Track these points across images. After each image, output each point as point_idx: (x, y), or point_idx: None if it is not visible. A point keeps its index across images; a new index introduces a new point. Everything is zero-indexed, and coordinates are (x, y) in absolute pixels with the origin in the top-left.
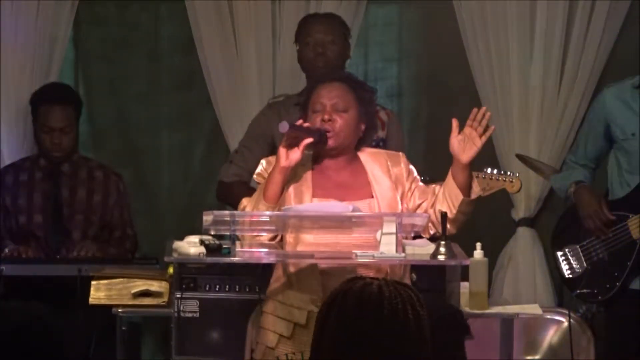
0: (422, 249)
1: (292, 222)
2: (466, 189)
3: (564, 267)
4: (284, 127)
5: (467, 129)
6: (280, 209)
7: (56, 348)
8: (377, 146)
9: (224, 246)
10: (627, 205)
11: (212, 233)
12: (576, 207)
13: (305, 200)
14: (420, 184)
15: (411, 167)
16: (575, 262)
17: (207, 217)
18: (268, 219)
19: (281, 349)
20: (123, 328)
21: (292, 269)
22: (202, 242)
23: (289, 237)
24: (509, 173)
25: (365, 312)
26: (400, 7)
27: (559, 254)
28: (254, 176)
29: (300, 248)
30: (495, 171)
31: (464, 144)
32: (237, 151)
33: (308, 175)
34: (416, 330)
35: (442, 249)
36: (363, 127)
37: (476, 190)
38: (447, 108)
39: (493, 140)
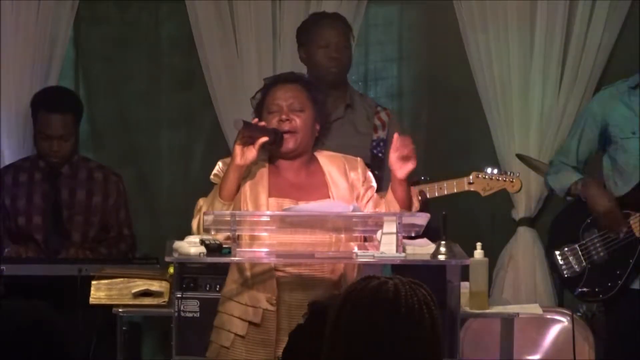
0: (422, 249)
1: (293, 222)
2: (406, 203)
3: (563, 266)
4: (238, 124)
5: (395, 145)
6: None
7: (58, 347)
8: (377, 147)
9: (224, 246)
10: (629, 203)
11: (213, 233)
12: (588, 201)
13: (261, 200)
14: (375, 194)
15: (369, 173)
16: (574, 261)
17: (208, 217)
18: (269, 219)
19: (236, 349)
20: (123, 328)
21: (248, 269)
22: (202, 242)
23: (246, 237)
24: (509, 173)
25: (381, 310)
26: (400, 7)
27: (557, 253)
28: (211, 176)
29: (256, 247)
30: (495, 171)
31: (399, 161)
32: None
33: (264, 174)
34: (431, 330)
35: (443, 249)
36: (318, 127)
37: (416, 205)
38: (447, 108)
39: (493, 140)
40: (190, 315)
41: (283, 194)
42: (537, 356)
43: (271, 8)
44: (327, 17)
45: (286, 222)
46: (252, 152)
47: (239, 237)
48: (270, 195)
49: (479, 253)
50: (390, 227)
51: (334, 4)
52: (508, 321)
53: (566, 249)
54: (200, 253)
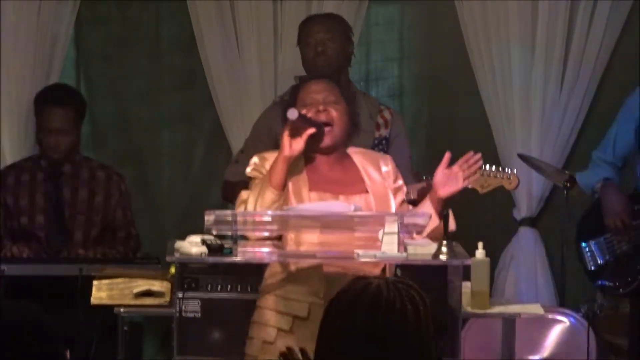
0: (423, 249)
1: (294, 222)
2: (437, 218)
3: (588, 259)
4: (293, 114)
5: (456, 167)
6: (282, 206)
7: (48, 348)
8: (379, 145)
9: (226, 246)
10: None
11: (214, 233)
12: (601, 203)
13: (303, 195)
14: (405, 204)
15: (399, 174)
16: (598, 254)
17: (209, 217)
18: (270, 219)
19: (280, 343)
20: (124, 328)
21: (292, 265)
22: (203, 242)
23: (289, 236)
24: (506, 170)
25: (362, 307)
26: (401, 7)
27: (583, 246)
28: (248, 169)
29: (303, 248)
30: (492, 168)
31: (446, 179)
32: (242, 150)
33: (302, 169)
34: (416, 327)
35: (444, 249)
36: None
37: (452, 225)
38: (448, 107)
39: (495, 139)
40: (191, 315)
41: (323, 188)
42: (539, 356)
43: (272, 8)
44: (316, 16)
45: (287, 223)
46: (299, 144)
47: (281, 237)
48: (310, 189)
49: (480, 253)
50: (391, 226)
51: (335, 4)
52: (509, 321)
53: (592, 241)
54: (201, 253)
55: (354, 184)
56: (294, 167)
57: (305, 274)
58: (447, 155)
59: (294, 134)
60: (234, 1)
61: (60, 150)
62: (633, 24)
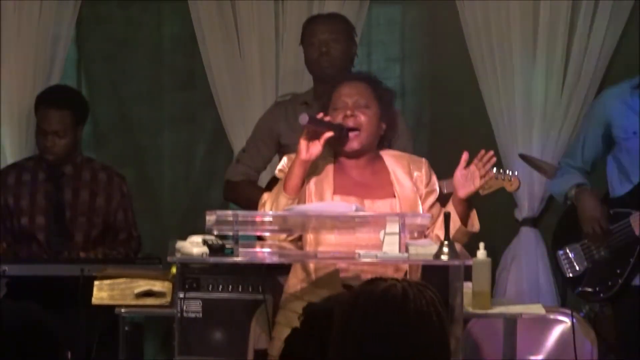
0: (425, 249)
1: (295, 222)
2: (465, 220)
3: (565, 266)
4: (304, 119)
5: (472, 166)
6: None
7: (49, 349)
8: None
9: (227, 246)
10: (629, 202)
11: (215, 233)
12: (577, 209)
13: (326, 197)
14: (438, 203)
15: (434, 177)
16: (576, 261)
17: (210, 217)
18: (271, 219)
19: None
20: (126, 328)
21: (311, 266)
22: (205, 242)
23: (309, 238)
24: (507, 172)
25: (390, 312)
26: (403, 7)
27: (560, 252)
28: (276, 171)
29: (321, 248)
30: (494, 170)
31: (464, 180)
32: (244, 150)
33: (329, 171)
34: (439, 332)
35: (445, 249)
36: (384, 126)
37: (476, 226)
38: (449, 107)
39: (496, 140)
40: (192, 315)
41: (348, 191)
42: (540, 356)
43: (273, 8)
44: (320, 16)
45: (288, 223)
46: (317, 147)
47: (301, 237)
48: (335, 192)
49: (481, 253)
50: (392, 227)
51: (336, 4)
52: (511, 321)
53: (568, 248)
54: (202, 253)
55: (382, 188)
56: (320, 169)
57: (325, 278)
58: (464, 156)
59: (312, 137)
60: (235, 1)
61: (55, 152)
62: (634, 23)
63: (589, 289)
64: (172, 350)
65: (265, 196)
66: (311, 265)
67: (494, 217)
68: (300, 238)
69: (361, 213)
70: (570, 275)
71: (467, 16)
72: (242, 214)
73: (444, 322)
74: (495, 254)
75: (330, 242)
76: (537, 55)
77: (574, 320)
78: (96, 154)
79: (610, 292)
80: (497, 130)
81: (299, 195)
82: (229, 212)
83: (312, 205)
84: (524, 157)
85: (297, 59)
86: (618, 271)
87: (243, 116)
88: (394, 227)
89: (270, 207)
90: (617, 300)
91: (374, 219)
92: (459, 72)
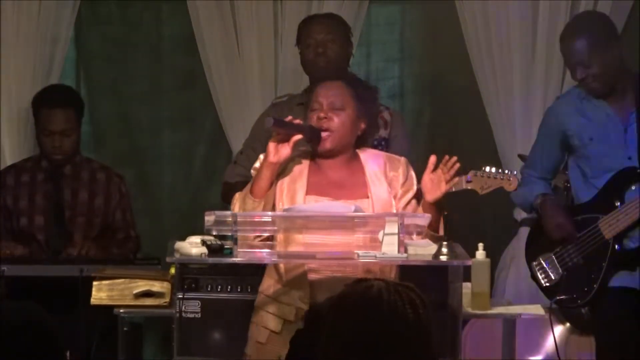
0: (424, 249)
1: (295, 222)
2: (434, 224)
3: (541, 276)
4: (268, 122)
5: (438, 171)
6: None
7: (49, 348)
8: (378, 145)
9: (226, 246)
10: (595, 207)
11: (214, 233)
12: (541, 218)
13: (297, 198)
14: (415, 201)
15: (412, 175)
16: (551, 270)
17: (209, 218)
18: (270, 219)
19: (271, 345)
20: (125, 329)
21: (282, 267)
22: (204, 243)
23: (279, 237)
24: (506, 171)
25: (365, 310)
26: (402, 7)
27: (534, 263)
28: (251, 170)
29: (291, 248)
30: (493, 169)
31: (431, 184)
32: (241, 152)
33: (304, 171)
34: (416, 331)
35: (445, 250)
36: (363, 125)
37: (441, 231)
38: (449, 108)
39: (495, 140)
40: (191, 316)
41: (322, 191)
42: (539, 357)
43: (272, 8)
44: (316, 17)
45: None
46: (286, 150)
47: (272, 237)
48: (308, 193)
49: (480, 253)
50: (391, 227)
51: (335, 4)
52: (510, 322)
53: (542, 258)
54: (201, 254)
55: (356, 188)
56: (295, 168)
57: (294, 279)
58: (431, 159)
59: (282, 140)
60: (234, 1)
61: (63, 151)
62: (633, 24)
63: (566, 297)
64: (171, 350)
65: (237, 195)
66: (281, 266)
67: (493, 217)
68: (270, 238)
69: (360, 214)
70: (547, 284)
71: (467, 16)
72: (240, 214)
73: (423, 322)
74: (494, 255)
75: (300, 241)
76: (536, 55)
77: (550, 316)
78: (95, 154)
79: (588, 297)
80: (496, 130)
81: (267, 197)
82: (228, 212)
83: (311, 206)
84: (523, 157)
85: (296, 59)
86: (592, 276)
87: (242, 116)
88: (392, 227)
89: (238, 209)
90: (595, 303)
91: (371, 219)
92: (458, 72)
